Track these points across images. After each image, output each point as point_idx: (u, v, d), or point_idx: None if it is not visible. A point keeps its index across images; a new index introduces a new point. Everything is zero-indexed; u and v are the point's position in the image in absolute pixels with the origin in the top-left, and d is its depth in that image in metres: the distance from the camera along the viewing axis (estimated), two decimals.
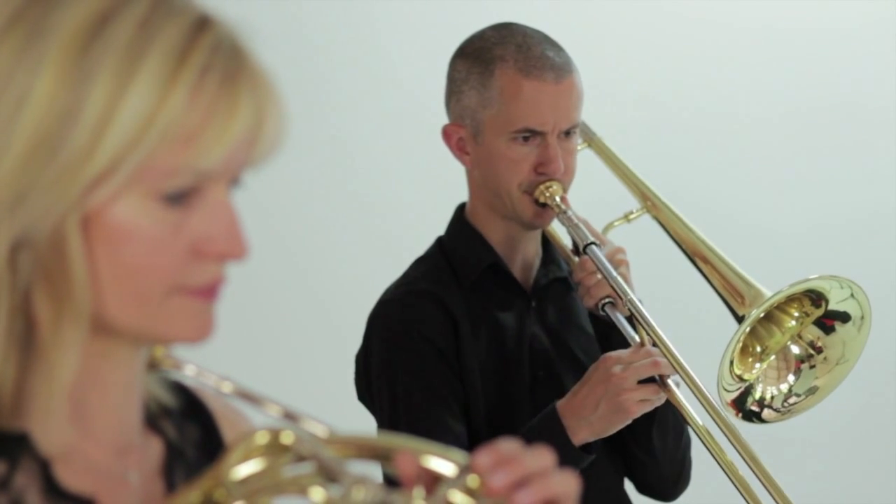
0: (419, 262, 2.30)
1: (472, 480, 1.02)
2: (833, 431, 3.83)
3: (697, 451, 2.32)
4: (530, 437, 2.09)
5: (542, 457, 1.04)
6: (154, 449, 1.15)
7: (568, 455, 2.08)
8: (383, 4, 3.62)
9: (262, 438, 1.04)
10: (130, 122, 0.99)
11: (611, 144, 2.45)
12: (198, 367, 1.10)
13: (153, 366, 1.10)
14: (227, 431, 1.20)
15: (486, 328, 2.22)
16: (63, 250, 1.01)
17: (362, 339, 2.25)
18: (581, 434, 2.11)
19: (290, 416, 1.07)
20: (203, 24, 1.03)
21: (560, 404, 2.13)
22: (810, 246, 3.81)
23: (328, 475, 1.01)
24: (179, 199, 1.03)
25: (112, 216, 1.02)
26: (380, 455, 1.05)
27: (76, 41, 1.00)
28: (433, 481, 1.03)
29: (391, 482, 1.05)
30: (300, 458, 1.03)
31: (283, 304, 3.51)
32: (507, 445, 1.04)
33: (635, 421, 2.23)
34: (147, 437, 1.15)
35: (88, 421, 1.09)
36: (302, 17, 3.49)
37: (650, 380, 2.12)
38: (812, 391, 2.25)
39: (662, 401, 2.14)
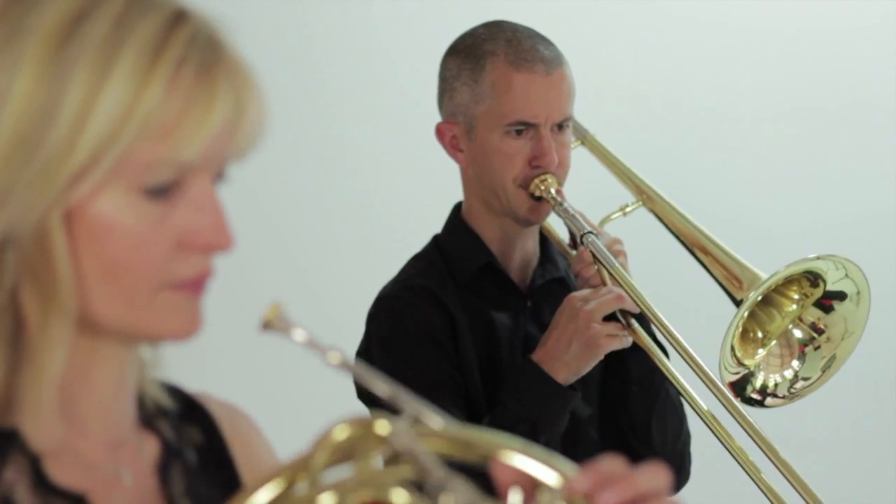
0: (415, 260, 2.31)
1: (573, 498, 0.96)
2: (833, 432, 3.82)
3: (700, 444, 2.33)
4: (514, 392, 2.12)
5: (656, 477, 0.98)
6: (149, 447, 1.15)
7: (556, 395, 2.11)
8: (379, 3, 3.63)
9: (354, 427, 1.00)
10: (108, 117, 1.01)
11: (605, 141, 2.47)
12: (307, 332, 1.07)
13: (265, 326, 1.07)
14: (229, 435, 1.20)
15: (481, 327, 2.22)
16: (47, 247, 1.02)
17: (362, 338, 2.26)
18: (560, 375, 2.13)
19: (397, 398, 1.03)
20: (179, 17, 1.04)
21: (535, 354, 2.15)
22: (808, 246, 3.81)
23: (419, 473, 0.97)
24: (162, 192, 1.04)
25: (94, 211, 1.03)
26: (480, 454, 0.99)
27: (52, 39, 1.02)
28: (532, 487, 0.98)
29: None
30: (394, 452, 0.99)
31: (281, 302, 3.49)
32: (612, 464, 0.98)
33: (634, 412, 2.24)
34: (142, 435, 1.15)
35: (78, 417, 1.09)
36: (299, 16, 3.51)
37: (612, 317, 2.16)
38: (828, 364, 2.25)
39: (629, 343, 2.16)
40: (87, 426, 1.09)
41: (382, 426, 0.99)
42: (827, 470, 3.74)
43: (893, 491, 3.83)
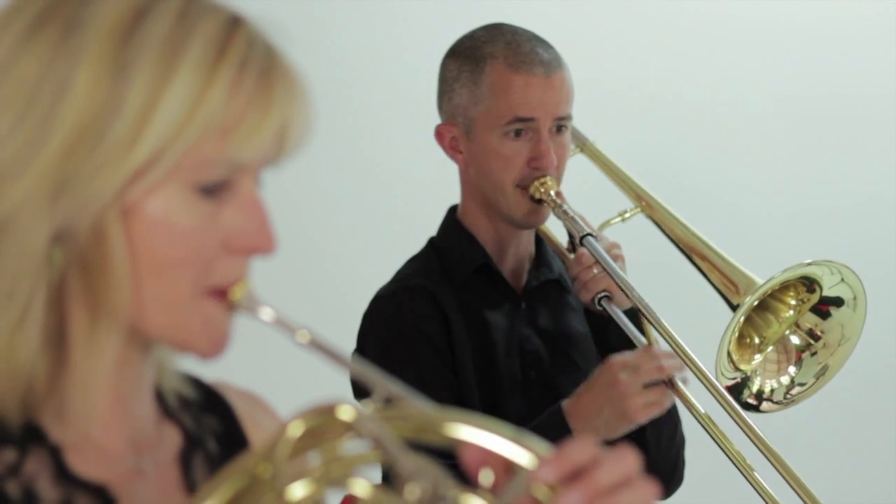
0: (412, 261, 2.32)
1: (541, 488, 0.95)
2: (831, 431, 3.82)
3: (695, 446, 2.32)
4: (538, 435, 2.09)
5: (622, 463, 0.97)
6: (171, 438, 1.15)
7: None
8: (379, 5, 3.65)
9: (318, 415, 0.98)
10: (173, 114, 1.00)
11: (605, 144, 2.47)
12: (275, 310, 1.06)
13: (231, 307, 1.06)
14: (247, 423, 1.21)
15: (476, 328, 2.23)
16: (103, 244, 1.01)
17: (357, 337, 2.26)
18: None
19: (367, 378, 1.01)
20: (237, 19, 1.05)
21: (566, 405, 2.12)
22: (808, 242, 3.81)
23: (385, 459, 0.95)
24: (213, 190, 1.03)
25: (150, 209, 1.02)
26: (450, 436, 0.97)
27: (115, 34, 1.01)
28: (504, 468, 0.97)
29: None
30: (359, 437, 0.97)
31: (278, 302, 3.49)
32: (581, 450, 0.97)
33: None
34: (163, 426, 1.15)
35: (100, 412, 1.08)
36: (298, 17, 3.52)
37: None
38: (822, 372, 2.25)
39: (671, 403, 2.12)
40: (108, 420, 1.09)
41: (346, 412, 0.97)
42: (826, 470, 3.74)
43: (893, 492, 3.82)
